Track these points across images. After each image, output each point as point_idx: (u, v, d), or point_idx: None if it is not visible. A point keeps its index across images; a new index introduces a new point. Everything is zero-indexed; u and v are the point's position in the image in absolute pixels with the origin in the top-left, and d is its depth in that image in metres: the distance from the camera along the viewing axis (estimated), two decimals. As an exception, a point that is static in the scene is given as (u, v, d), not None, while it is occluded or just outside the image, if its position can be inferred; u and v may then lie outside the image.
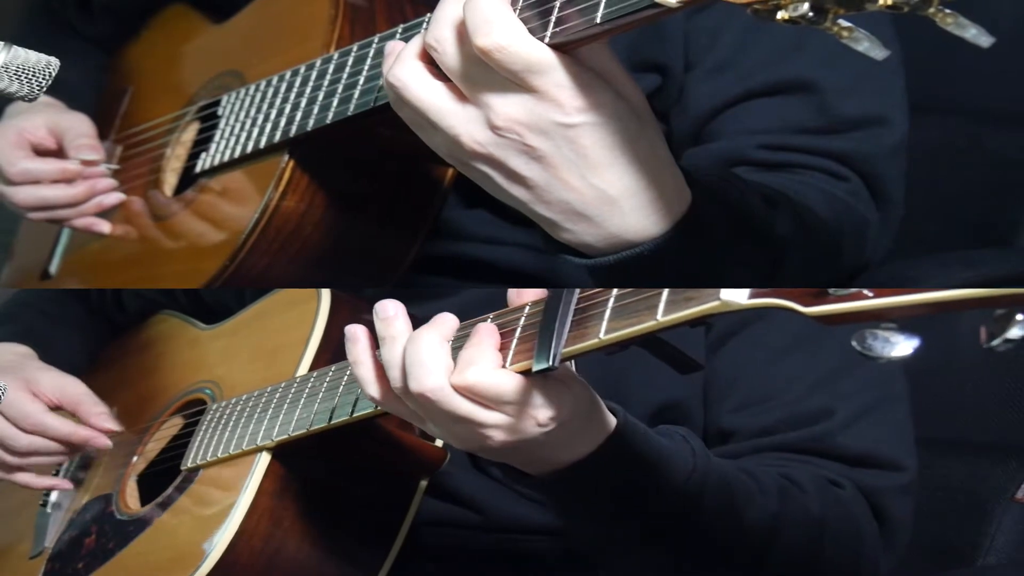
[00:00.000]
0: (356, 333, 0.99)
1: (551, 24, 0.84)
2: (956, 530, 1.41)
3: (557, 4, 0.85)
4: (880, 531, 1.17)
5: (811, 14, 0.75)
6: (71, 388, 1.35)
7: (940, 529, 1.42)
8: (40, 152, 1.34)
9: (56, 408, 1.35)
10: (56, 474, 1.43)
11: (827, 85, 1.23)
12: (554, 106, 0.84)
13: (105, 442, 1.34)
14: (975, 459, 1.43)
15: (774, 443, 1.17)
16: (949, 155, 1.53)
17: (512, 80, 0.84)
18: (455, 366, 0.91)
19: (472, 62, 0.85)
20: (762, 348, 1.19)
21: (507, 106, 0.85)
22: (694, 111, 1.24)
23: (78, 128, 1.35)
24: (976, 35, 0.73)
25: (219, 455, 1.22)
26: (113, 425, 1.34)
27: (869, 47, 0.77)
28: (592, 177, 0.87)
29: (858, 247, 1.24)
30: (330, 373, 1.14)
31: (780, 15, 0.77)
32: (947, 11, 0.72)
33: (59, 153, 1.35)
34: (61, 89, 1.22)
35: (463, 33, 0.85)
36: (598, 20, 0.83)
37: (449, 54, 0.86)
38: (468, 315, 1.04)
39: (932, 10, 0.72)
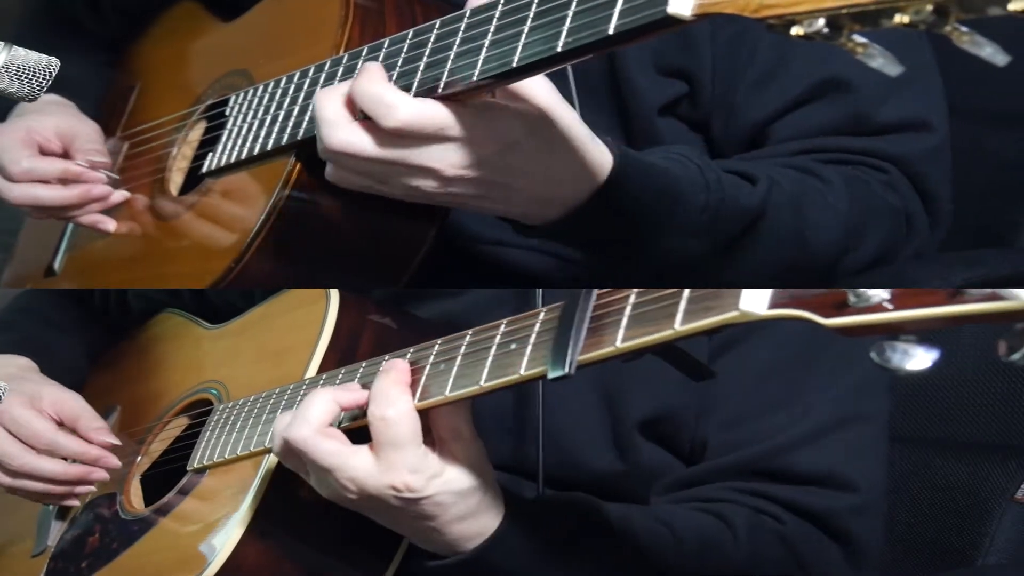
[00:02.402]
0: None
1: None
2: (956, 530, 1.41)
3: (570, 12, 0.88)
4: (844, 552, 1.19)
5: (826, 30, 0.76)
6: (70, 403, 1.34)
7: (940, 529, 1.42)
8: (44, 153, 1.33)
9: (57, 423, 1.33)
10: None
11: (866, 86, 1.25)
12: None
13: (113, 463, 1.33)
14: (975, 459, 1.43)
15: (721, 465, 1.20)
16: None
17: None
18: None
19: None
20: (754, 366, 1.21)
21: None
22: (745, 122, 1.28)
23: (89, 136, 1.35)
24: (992, 53, 0.74)
25: (226, 456, 1.22)
26: (112, 439, 1.33)
27: (884, 63, 0.77)
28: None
29: (886, 231, 1.26)
30: (339, 376, 1.14)
31: (795, 30, 0.77)
32: (963, 29, 0.72)
33: (63, 156, 1.34)
34: (66, 86, 1.22)
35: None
36: (611, 32, 0.85)
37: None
38: (474, 316, 1.05)
39: (948, 28, 0.72)
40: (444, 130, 0.98)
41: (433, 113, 0.98)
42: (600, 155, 1.04)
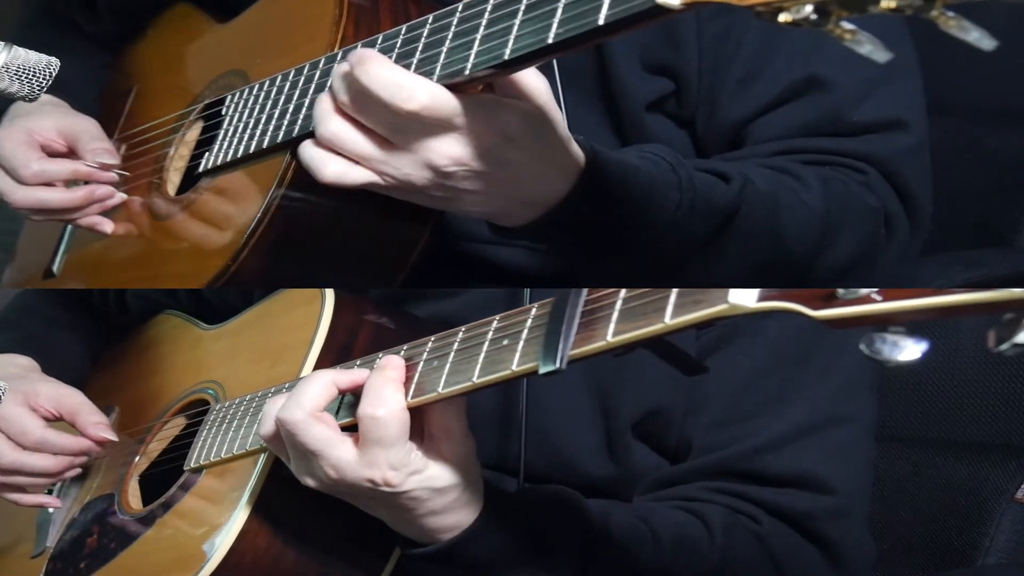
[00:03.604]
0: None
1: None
2: (956, 530, 1.41)
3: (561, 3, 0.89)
4: (823, 555, 1.19)
5: (814, 16, 0.76)
6: (69, 399, 1.34)
7: (940, 529, 1.42)
8: (50, 154, 1.33)
9: (56, 419, 1.34)
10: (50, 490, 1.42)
11: (844, 86, 1.25)
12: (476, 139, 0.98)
13: (101, 441, 1.33)
14: (975, 459, 1.43)
15: (702, 465, 1.20)
16: (949, 155, 1.53)
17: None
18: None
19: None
20: (740, 367, 1.21)
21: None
22: (726, 120, 1.27)
23: (91, 132, 1.35)
24: (979, 38, 0.73)
25: (222, 455, 1.22)
26: (110, 435, 1.34)
27: (872, 50, 0.77)
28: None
29: (864, 231, 1.25)
30: None
31: (782, 17, 0.77)
32: (950, 14, 0.72)
33: (69, 155, 1.34)
34: (63, 88, 1.22)
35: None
36: (601, 22, 0.85)
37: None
38: (471, 315, 1.05)
39: (935, 13, 0.72)
40: (452, 118, 0.97)
41: (447, 99, 0.96)
42: (576, 154, 1.04)
